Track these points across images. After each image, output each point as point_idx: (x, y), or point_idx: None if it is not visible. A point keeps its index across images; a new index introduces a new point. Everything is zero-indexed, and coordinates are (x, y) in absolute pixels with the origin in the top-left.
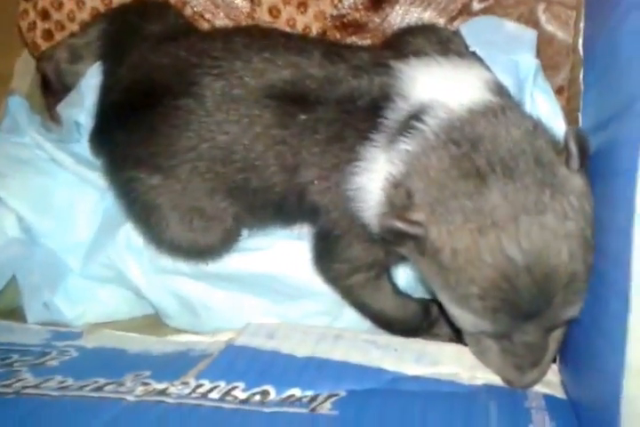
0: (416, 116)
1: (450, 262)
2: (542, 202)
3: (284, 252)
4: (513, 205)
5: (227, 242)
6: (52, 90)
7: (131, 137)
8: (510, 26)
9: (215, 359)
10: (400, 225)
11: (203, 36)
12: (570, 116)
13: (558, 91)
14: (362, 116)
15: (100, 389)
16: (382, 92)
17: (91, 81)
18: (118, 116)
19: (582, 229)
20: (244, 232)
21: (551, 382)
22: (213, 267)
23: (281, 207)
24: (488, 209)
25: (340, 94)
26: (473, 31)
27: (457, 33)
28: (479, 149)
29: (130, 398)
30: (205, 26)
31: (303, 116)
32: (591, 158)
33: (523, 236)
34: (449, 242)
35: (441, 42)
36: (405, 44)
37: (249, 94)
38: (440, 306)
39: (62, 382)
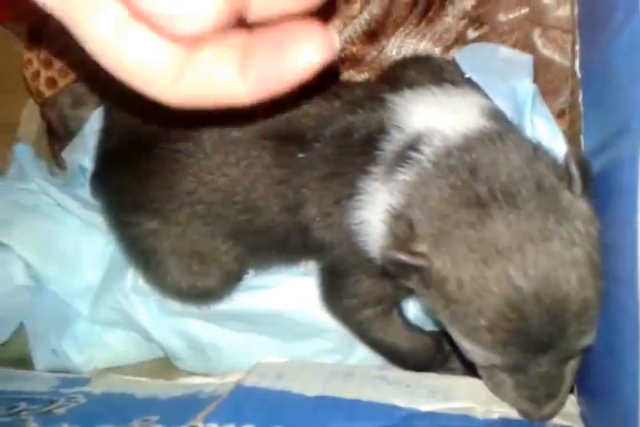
0: (412, 146)
1: (456, 294)
2: (547, 229)
3: (291, 289)
4: (517, 233)
5: (227, 284)
6: (56, 136)
7: (129, 181)
8: (505, 51)
9: (223, 402)
10: (402, 257)
11: None
12: (573, 139)
13: (559, 115)
14: (359, 151)
15: None
16: (378, 125)
17: (94, 126)
18: (116, 161)
19: (590, 254)
20: (249, 271)
21: (570, 413)
22: (222, 307)
23: (285, 246)
24: (492, 238)
25: (335, 130)
26: (468, 58)
27: (450, 62)
28: (479, 177)
29: None
30: None
31: (301, 155)
32: (595, 180)
33: (529, 264)
34: (454, 273)
35: (433, 72)
36: (399, 77)
37: (246, 135)
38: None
39: None
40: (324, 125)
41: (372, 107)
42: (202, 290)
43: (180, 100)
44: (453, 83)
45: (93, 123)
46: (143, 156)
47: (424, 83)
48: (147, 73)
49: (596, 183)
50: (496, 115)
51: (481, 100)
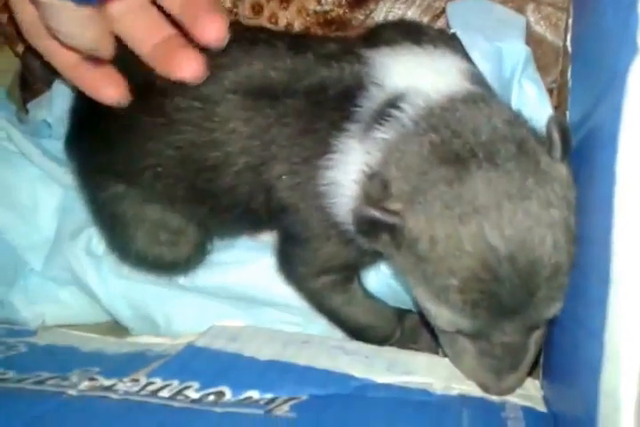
0: (392, 103)
1: (428, 253)
2: (526, 188)
3: (250, 263)
4: (496, 191)
5: (194, 257)
6: (30, 85)
7: (98, 144)
8: (500, 10)
9: (171, 358)
10: (375, 214)
11: None
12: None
13: (548, 94)
14: (334, 106)
15: (40, 382)
16: (355, 80)
17: (62, 86)
18: (86, 124)
19: (566, 218)
20: (214, 243)
21: (532, 396)
22: (179, 280)
23: (247, 209)
24: (469, 196)
25: (308, 85)
26: (459, 12)
27: (432, 27)
28: (460, 135)
29: (72, 392)
30: None
31: (271, 110)
32: (576, 150)
33: (506, 223)
34: (427, 231)
35: (412, 33)
36: (376, 35)
37: (213, 91)
38: (421, 317)
39: (2, 375)
40: (296, 80)
41: (348, 61)
42: (168, 262)
43: None
44: (433, 44)
45: (62, 84)
46: (111, 117)
47: (401, 41)
48: None
49: (576, 151)
50: (477, 78)
51: (461, 62)
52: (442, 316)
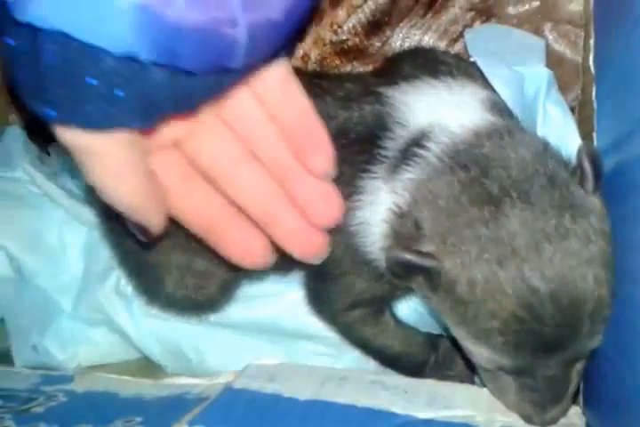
0: (417, 142)
1: (467, 296)
2: (563, 226)
3: (280, 296)
4: (533, 231)
5: (224, 297)
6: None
7: None
8: (518, 34)
9: (211, 404)
10: (410, 257)
11: None
12: (583, 139)
13: None
14: (357, 149)
15: None
16: (376, 121)
17: None
18: None
19: (605, 251)
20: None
21: (575, 424)
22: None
23: (276, 250)
24: (506, 237)
25: (330, 129)
26: (477, 39)
27: (449, 53)
28: (490, 173)
29: None
30: None
31: None
32: (608, 178)
33: (546, 264)
34: (465, 274)
35: (429, 64)
36: (392, 69)
37: None
38: (452, 343)
39: None
40: None
41: (368, 102)
42: (197, 304)
43: None
44: (451, 75)
45: None
46: None
47: (419, 75)
48: None
49: (609, 181)
50: (500, 108)
51: (482, 92)
52: (483, 355)
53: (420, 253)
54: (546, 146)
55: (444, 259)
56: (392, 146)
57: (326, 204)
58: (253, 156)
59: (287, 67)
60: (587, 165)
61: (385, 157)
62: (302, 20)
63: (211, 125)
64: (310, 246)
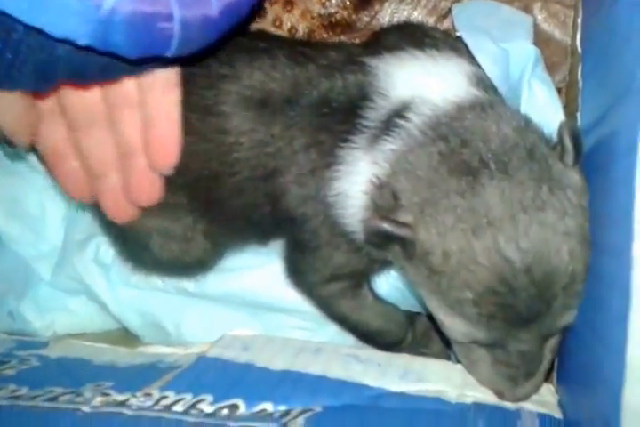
0: (398, 113)
1: (441, 266)
2: (540, 198)
3: (259, 269)
4: (510, 202)
5: (208, 260)
6: None
7: None
8: (506, 10)
9: (183, 371)
10: (386, 227)
11: None
12: (569, 119)
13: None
14: (338, 119)
15: (54, 399)
16: (358, 91)
17: None
18: None
19: (581, 225)
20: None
21: (548, 402)
22: (188, 288)
23: (252, 219)
24: (483, 207)
25: (311, 97)
26: (464, 14)
27: (437, 29)
28: (470, 145)
29: (85, 408)
30: None
31: (274, 122)
32: (589, 154)
33: (521, 235)
34: (440, 244)
35: (415, 37)
36: (378, 41)
37: (213, 102)
38: (431, 321)
39: (15, 392)
40: (299, 92)
41: (351, 71)
42: (186, 263)
43: None
44: (437, 48)
45: None
46: None
47: (404, 47)
48: None
49: (589, 157)
50: (484, 83)
51: (467, 66)
52: (456, 328)
53: (396, 222)
54: (527, 121)
55: (420, 229)
56: (373, 116)
57: (150, 187)
58: (112, 127)
59: (177, 79)
60: (567, 140)
61: (366, 127)
62: (242, 19)
63: (89, 90)
64: (121, 211)
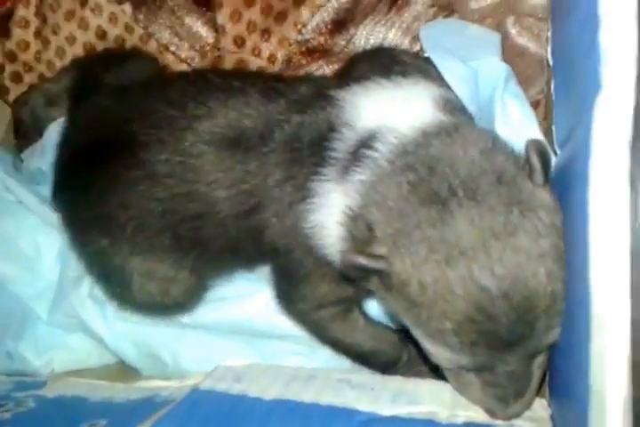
0: (365, 143)
1: (419, 297)
2: (511, 222)
3: (250, 297)
4: (480, 229)
5: (189, 301)
6: (23, 133)
7: (80, 199)
8: (473, 29)
9: (176, 405)
10: (361, 261)
11: (141, 91)
12: (548, 131)
13: (534, 105)
14: (309, 152)
15: None
16: (327, 124)
17: (53, 135)
18: (69, 179)
19: (555, 245)
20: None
21: (540, 417)
22: (182, 319)
23: (237, 253)
24: (454, 237)
25: (284, 133)
26: (432, 34)
27: (407, 52)
28: (437, 173)
29: None
30: (171, 58)
31: (248, 160)
32: (560, 170)
33: (495, 262)
34: (415, 275)
35: (384, 64)
36: (347, 71)
37: (190, 143)
38: (416, 348)
39: None
40: (271, 128)
41: (319, 106)
42: (164, 307)
43: None
44: (404, 74)
45: (52, 132)
46: (91, 173)
47: (372, 76)
48: None
49: (561, 174)
50: (451, 105)
51: (434, 89)
52: (442, 356)
53: (371, 255)
54: (495, 142)
55: (395, 260)
56: (341, 147)
57: None
58: None
59: None
60: (534, 159)
61: (334, 158)
62: None
63: None
64: None
